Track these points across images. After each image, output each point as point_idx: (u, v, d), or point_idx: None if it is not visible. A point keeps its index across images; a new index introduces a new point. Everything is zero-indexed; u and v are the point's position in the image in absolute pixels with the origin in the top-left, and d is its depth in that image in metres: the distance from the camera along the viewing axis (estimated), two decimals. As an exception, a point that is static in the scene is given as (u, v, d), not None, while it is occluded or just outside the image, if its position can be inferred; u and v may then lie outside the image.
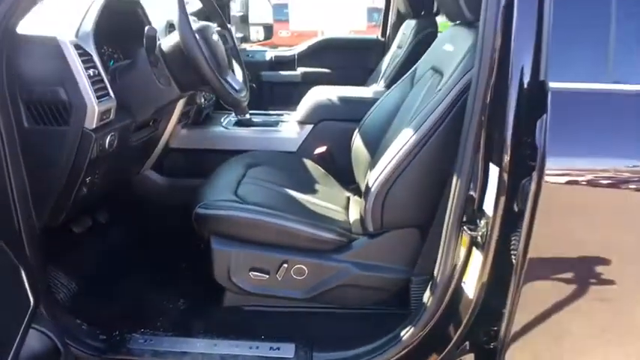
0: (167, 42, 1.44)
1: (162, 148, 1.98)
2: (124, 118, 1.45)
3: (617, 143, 1.04)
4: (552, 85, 1.00)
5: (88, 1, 1.42)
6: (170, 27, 1.83)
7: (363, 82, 2.92)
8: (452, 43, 1.49)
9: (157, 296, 1.63)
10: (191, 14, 2.47)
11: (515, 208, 1.07)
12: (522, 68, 1.03)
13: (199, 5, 2.69)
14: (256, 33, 3.20)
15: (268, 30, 3.26)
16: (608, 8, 1.03)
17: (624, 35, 1.04)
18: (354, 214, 1.62)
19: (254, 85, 3.09)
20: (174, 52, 1.41)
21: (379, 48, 3.13)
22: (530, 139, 1.02)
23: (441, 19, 2.76)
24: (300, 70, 3.18)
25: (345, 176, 1.87)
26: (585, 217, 1.06)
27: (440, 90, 1.32)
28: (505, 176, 1.07)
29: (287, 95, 2.93)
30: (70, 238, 1.67)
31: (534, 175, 1.00)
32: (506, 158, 1.05)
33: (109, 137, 1.37)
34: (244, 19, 3.06)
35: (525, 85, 1.02)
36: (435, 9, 2.83)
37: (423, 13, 2.62)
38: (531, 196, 1.02)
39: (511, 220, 1.08)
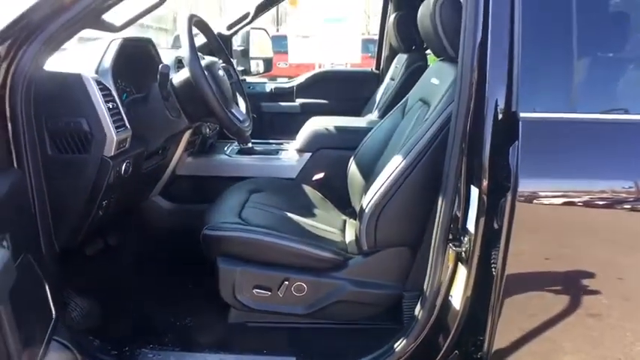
0: (178, 77, 1.58)
1: (169, 175, 2.10)
2: (138, 146, 1.57)
3: (582, 165, 1.16)
4: (523, 115, 1.13)
5: (107, 41, 1.57)
6: (179, 62, 1.97)
7: (359, 112, 3.06)
8: (437, 77, 1.63)
9: (164, 314, 1.73)
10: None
11: (495, 226, 1.18)
12: (496, 100, 1.16)
13: (203, 40, 2.87)
14: (256, 66, 3.34)
15: (268, 63, 3.41)
16: (570, 47, 1.17)
17: (583, 70, 1.18)
18: (349, 236, 1.74)
19: (255, 116, 3.23)
20: (184, 86, 1.55)
21: (374, 80, 3.28)
22: (504, 163, 1.14)
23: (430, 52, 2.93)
24: (299, 101, 3.32)
25: (341, 201, 1.99)
26: (556, 232, 1.18)
27: (426, 120, 1.46)
28: (484, 197, 1.18)
29: (286, 125, 3.05)
30: (82, 259, 1.78)
31: (509, 195, 1.12)
32: (485, 181, 1.17)
33: (124, 164, 1.49)
34: (245, 53, 3.21)
35: (499, 115, 1.15)
36: (424, 44, 3.01)
37: (413, 47, 2.78)
38: (507, 214, 1.13)
39: (491, 237, 1.19)
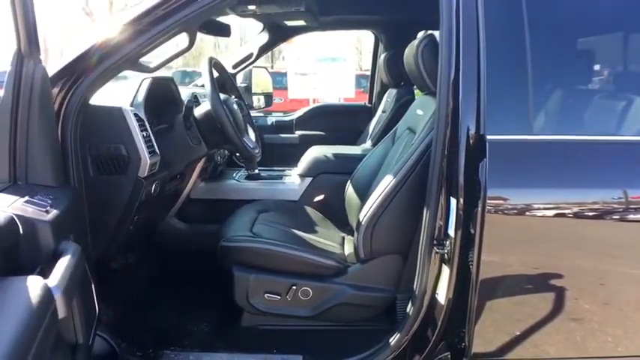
0: (199, 110, 1.84)
1: (184, 199, 2.33)
2: (164, 170, 1.81)
3: (539, 179, 1.40)
4: (489, 137, 1.37)
5: (139, 79, 1.83)
6: (194, 98, 2.23)
7: (353, 142, 3.31)
8: (421, 109, 1.90)
9: (183, 320, 1.93)
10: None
11: (470, 231, 1.41)
12: (468, 126, 1.39)
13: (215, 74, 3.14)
14: (258, 101, 3.60)
15: (268, 98, 3.66)
16: (526, 81, 1.43)
17: (540, 98, 1.45)
18: (348, 249, 1.96)
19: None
20: (205, 118, 1.81)
21: (367, 112, 3.54)
22: (476, 178, 1.38)
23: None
24: (298, 132, 3.56)
25: (340, 220, 2.22)
26: (521, 234, 1.41)
27: (412, 145, 1.71)
28: (461, 207, 1.41)
29: (287, 155, 3.25)
30: (108, 272, 1.98)
31: (479, 204, 1.36)
32: (461, 193, 1.41)
33: (154, 184, 1.73)
34: (247, 89, 3.47)
35: (471, 139, 1.39)
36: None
37: (402, 83, 3.07)
38: (479, 220, 1.36)
39: (467, 240, 1.41)
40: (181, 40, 1.61)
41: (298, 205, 2.35)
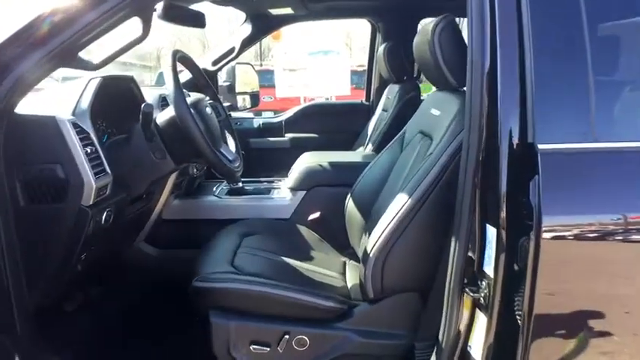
0: (162, 117, 1.47)
1: (154, 220, 1.97)
2: (120, 192, 1.45)
3: (607, 198, 1.07)
4: (541, 146, 1.04)
5: (85, 80, 1.46)
6: (163, 101, 1.87)
7: (350, 145, 2.99)
8: (438, 108, 1.55)
9: None
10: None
11: (516, 268, 1.08)
12: (511, 131, 1.07)
13: (189, 75, 2.79)
14: (243, 101, 3.27)
15: (255, 98, 3.34)
16: (586, 70, 1.09)
17: (603, 97, 1.10)
18: (351, 279, 1.62)
19: (243, 153, 3.13)
20: (169, 126, 1.45)
21: (364, 112, 3.22)
22: (524, 199, 1.04)
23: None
24: (288, 135, 3.24)
25: (339, 241, 1.88)
26: (587, 270, 1.07)
27: (431, 154, 1.36)
28: (503, 236, 1.08)
29: (276, 161, 2.98)
30: (61, 316, 1.63)
31: (532, 234, 1.02)
32: (503, 219, 1.07)
33: (105, 213, 1.37)
34: (231, 89, 3.14)
35: (515, 147, 1.06)
36: (415, 73, 2.96)
37: (405, 78, 2.72)
38: (531, 254, 1.03)
39: (513, 280, 1.08)
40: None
41: (290, 224, 2.00)
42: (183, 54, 1.55)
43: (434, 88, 1.71)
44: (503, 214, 1.07)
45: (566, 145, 1.06)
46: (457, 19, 1.51)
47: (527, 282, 1.05)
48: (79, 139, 1.27)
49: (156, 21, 1.78)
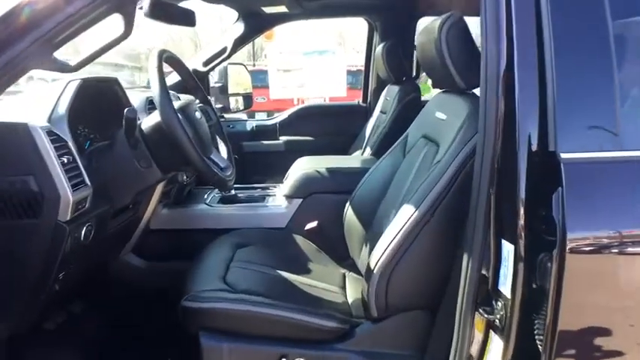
0: (147, 122, 1.36)
1: (142, 230, 1.85)
2: (101, 205, 1.34)
3: (636, 210, 0.97)
4: (564, 155, 0.94)
5: (63, 83, 1.35)
6: (150, 104, 1.76)
7: (346, 148, 2.88)
8: (444, 111, 1.44)
9: None
10: (169, 87, 2.42)
11: (535, 287, 0.98)
12: (529, 137, 0.97)
13: (178, 77, 2.67)
14: (236, 102, 3.17)
15: (248, 99, 3.24)
16: (611, 72, 0.99)
17: (630, 101, 1.00)
18: (352, 294, 1.51)
19: (236, 157, 3.02)
20: (155, 132, 1.33)
21: (361, 113, 3.10)
22: (545, 213, 0.94)
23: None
24: (283, 138, 3.13)
25: (338, 251, 1.78)
26: (615, 288, 0.98)
27: (439, 162, 1.26)
28: (521, 253, 0.98)
29: (270, 165, 2.87)
30: (40, 336, 1.51)
31: (556, 251, 0.92)
32: (522, 234, 0.97)
33: (84, 228, 1.25)
34: (223, 90, 3.03)
35: (535, 155, 0.96)
36: (414, 74, 2.86)
37: (404, 78, 2.62)
38: (554, 273, 0.93)
39: (532, 300, 0.98)
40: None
41: (285, 234, 1.88)
42: (170, 54, 1.44)
43: (434, 90, 1.61)
44: (521, 229, 0.97)
45: (591, 154, 0.96)
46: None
47: (550, 303, 0.95)
48: (55, 147, 1.15)
49: (146, 20, 1.69)
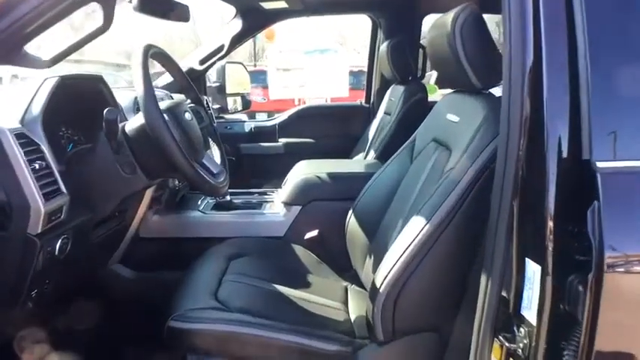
0: (132, 124, 1.24)
1: (131, 239, 1.73)
2: (81, 214, 1.22)
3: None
4: (600, 164, 0.82)
5: (38, 81, 1.23)
6: (137, 104, 1.64)
7: (348, 151, 2.76)
8: (456, 113, 1.32)
9: None
10: (163, 87, 2.30)
11: (564, 312, 0.86)
12: (559, 143, 0.85)
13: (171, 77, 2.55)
14: (234, 103, 3.06)
15: (246, 99, 3.13)
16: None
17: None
18: (355, 310, 1.40)
19: (233, 158, 2.90)
20: (139, 135, 1.21)
21: (364, 115, 2.99)
22: (577, 229, 0.82)
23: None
24: (282, 140, 3.01)
25: (340, 262, 1.66)
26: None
27: (452, 169, 1.14)
28: (549, 274, 0.86)
29: (269, 168, 2.76)
30: (13, 358, 1.39)
31: (592, 274, 0.80)
32: (550, 252, 0.85)
33: (59, 241, 1.14)
34: (221, 90, 2.92)
35: (566, 164, 0.84)
36: (419, 73, 2.75)
37: (410, 78, 2.50)
38: (589, 297, 0.81)
39: (561, 328, 0.86)
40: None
41: (283, 243, 1.76)
42: (157, 49, 1.32)
43: (440, 91, 1.49)
44: (550, 247, 0.85)
45: (632, 163, 0.84)
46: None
47: (583, 330, 0.83)
48: (25, 152, 1.03)
49: (146, 17, 1.58)
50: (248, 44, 14.27)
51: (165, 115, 1.17)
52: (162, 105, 1.26)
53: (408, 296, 1.12)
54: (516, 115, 0.89)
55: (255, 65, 13.65)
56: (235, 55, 2.78)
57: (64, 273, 1.28)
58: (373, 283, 1.17)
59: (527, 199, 0.89)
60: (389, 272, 1.12)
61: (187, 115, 1.32)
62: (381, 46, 2.63)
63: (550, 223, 0.85)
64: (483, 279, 0.97)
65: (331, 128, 3.01)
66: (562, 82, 0.86)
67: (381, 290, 1.13)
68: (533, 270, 0.89)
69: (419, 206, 1.18)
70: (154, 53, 1.30)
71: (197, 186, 1.23)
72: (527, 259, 0.90)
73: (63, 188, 1.12)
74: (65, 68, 1.44)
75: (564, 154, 0.84)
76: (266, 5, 2.46)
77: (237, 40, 2.64)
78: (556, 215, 0.85)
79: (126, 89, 2.03)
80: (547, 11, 0.88)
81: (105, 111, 1.15)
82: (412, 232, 1.11)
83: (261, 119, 3.28)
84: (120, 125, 1.25)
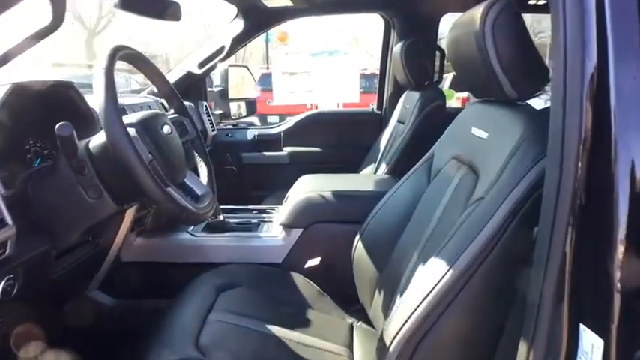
0: (96, 141, 1.05)
1: (110, 263, 1.54)
2: (36, 246, 1.03)
3: None
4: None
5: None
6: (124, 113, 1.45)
7: (358, 162, 2.56)
8: (484, 128, 1.11)
9: None
10: (152, 93, 2.10)
11: None
12: (632, 168, 0.64)
13: (175, 78, 2.37)
14: (237, 108, 2.89)
15: (251, 105, 2.96)
16: None
17: None
18: (361, 354, 1.20)
19: (234, 169, 2.72)
20: (103, 155, 1.02)
21: (376, 122, 2.79)
22: None
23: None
24: (287, 149, 2.83)
25: (345, 294, 1.46)
26: None
27: (482, 199, 0.92)
28: (612, 348, 0.65)
29: (272, 180, 2.59)
30: None
31: None
32: (618, 320, 0.64)
33: (3, 281, 0.94)
34: (224, 94, 2.75)
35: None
36: (436, 78, 2.54)
37: (426, 83, 2.29)
38: None
39: None
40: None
41: (282, 271, 1.56)
42: (130, 50, 1.12)
43: (457, 94, 1.27)
44: (616, 313, 0.64)
45: None
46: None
47: None
48: None
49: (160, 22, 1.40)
50: (263, 47, 14.15)
51: (133, 130, 0.98)
52: (134, 117, 1.07)
53: (429, 348, 0.91)
54: (573, 131, 0.68)
55: (267, 67, 13.54)
56: (250, 58, 2.60)
57: (21, 311, 1.09)
58: (382, 339, 0.96)
59: (583, 245, 0.68)
60: (402, 326, 0.91)
61: (166, 129, 1.12)
62: (395, 47, 2.42)
63: (617, 279, 0.64)
64: (522, 347, 0.76)
65: (339, 136, 2.82)
66: (635, 92, 0.66)
67: (391, 349, 0.91)
68: (591, 342, 0.68)
69: (439, 240, 0.97)
70: (126, 55, 1.10)
71: (170, 214, 1.04)
72: (582, 325, 0.69)
73: (7, 218, 0.93)
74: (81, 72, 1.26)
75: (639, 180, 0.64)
76: (268, 3, 2.27)
77: (238, 42, 2.45)
78: (624, 268, 0.64)
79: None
80: (614, 6, 0.67)
81: (57, 127, 0.95)
82: (432, 275, 0.90)
83: (266, 126, 3.08)
84: (84, 142, 1.06)
